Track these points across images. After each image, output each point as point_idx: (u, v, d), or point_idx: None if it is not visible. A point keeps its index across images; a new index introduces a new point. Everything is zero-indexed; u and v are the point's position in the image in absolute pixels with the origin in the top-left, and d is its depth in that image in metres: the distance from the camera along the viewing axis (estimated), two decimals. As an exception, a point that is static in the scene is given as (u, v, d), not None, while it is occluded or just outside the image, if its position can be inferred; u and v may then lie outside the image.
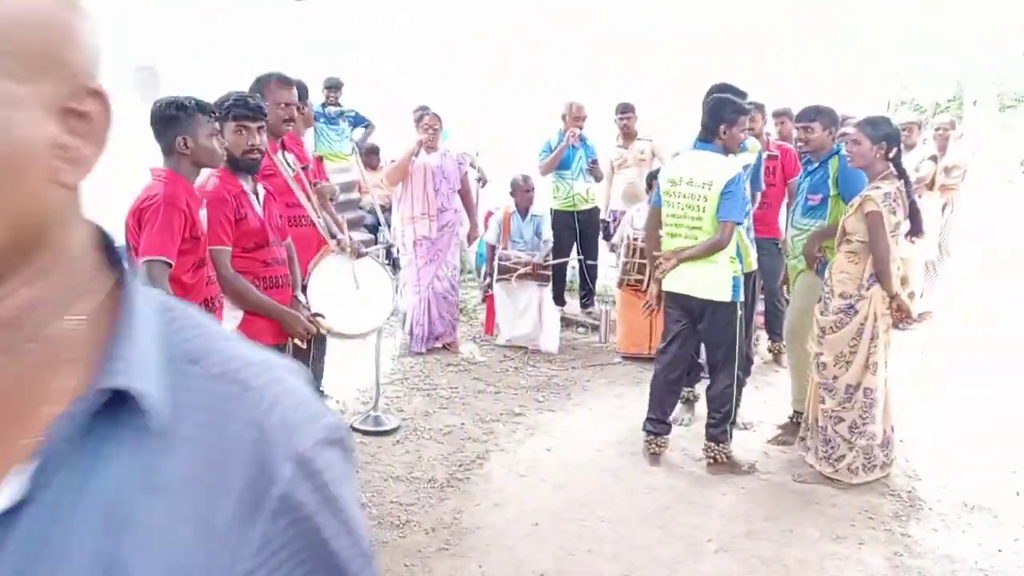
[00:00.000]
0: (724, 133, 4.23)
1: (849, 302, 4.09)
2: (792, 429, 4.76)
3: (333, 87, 8.29)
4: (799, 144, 4.66)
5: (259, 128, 3.33)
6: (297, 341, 3.52)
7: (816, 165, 4.59)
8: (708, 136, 4.28)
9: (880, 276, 4.02)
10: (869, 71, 8.87)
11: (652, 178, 6.44)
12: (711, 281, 4.25)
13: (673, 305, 4.45)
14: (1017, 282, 8.85)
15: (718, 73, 5.52)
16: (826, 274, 4.25)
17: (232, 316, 3.31)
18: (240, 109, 3.28)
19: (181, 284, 2.87)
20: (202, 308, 2.91)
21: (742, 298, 4.34)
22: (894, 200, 3.99)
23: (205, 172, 3.15)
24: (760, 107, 6.55)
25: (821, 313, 4.22)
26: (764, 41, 7.74)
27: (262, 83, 3.99)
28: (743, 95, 4.59)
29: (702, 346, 5.06)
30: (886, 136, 4.06)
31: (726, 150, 4.28)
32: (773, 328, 6.19)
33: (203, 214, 3.01)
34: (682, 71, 7.80)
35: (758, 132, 5.59)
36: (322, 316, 3.64)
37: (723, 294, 4.26)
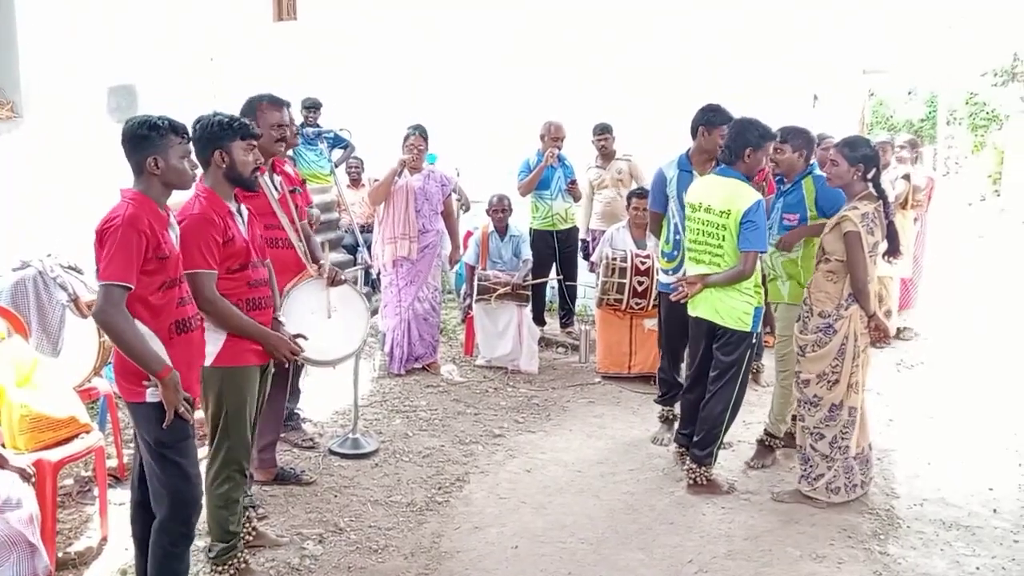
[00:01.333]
0: (748, 157, 4.18)
1: (827, 321, 4.12)
2: (764, 451, 4.77)
3: (312, 107, 8.28)
4: (771, 164, 4.67)
5: (256, 147, 3.38)
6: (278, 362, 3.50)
7: (790, 186, 4.61)
8: (731, 159, 4.21)
9: (858, 296, 4.05)
10: (842, 90, 8.95)
11: (632, 197, 6.48)
12: (736, 311, 4.22)
13: (696, 330, 4.45)
14: (991, 297, 8.96)
15: (698, 92, 5.56)
16: (804, 292, 4.27)
17: (215, 338, 3.27)
18: (248, 129, 3.31)
19: (148, 305, 2.82)
20: (173, 329, 2.89)
21: (760, 328, 4.33)
22: (872, 220, 4.02)
23: (177, 194, 3.12)
24: None
25: (800, 332, 4.23)
26: (737, 59, 7.81)
27: (254, 104, 3.98)
28: (730, 117, 4.59)
29: (682, 366, 5.09)
30: (864, 157, 4.09)
31: (747, 175, 4.23)
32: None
33: (173, 235, 2.97)
34: (665, 91, 7.86)
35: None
36: (304, 338, 3.62)
37: (744, 324, 4.23)
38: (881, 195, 4.17)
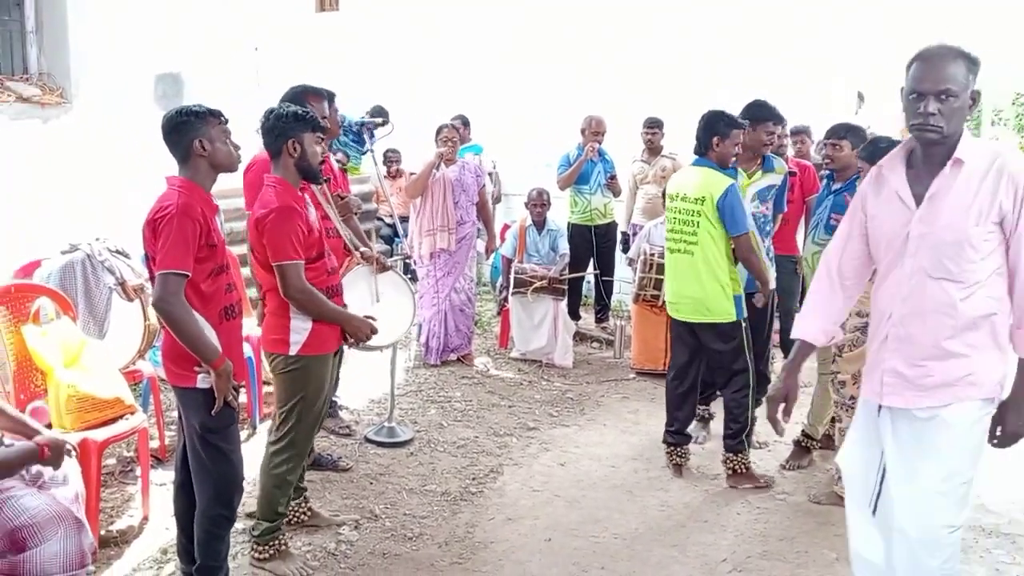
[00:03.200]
0: (717, 146, 4.30)
1: (865, 320, 4.05)
2: (800, 452, 4.72)
3: (377, 115, 8.14)
4: (825, 161, 4.63)
5: (323, 140, 3.49)
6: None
7: (842, 185, 4.52)
8: (702, 150, 4.37)
9: None
10: (886, 88, 8.80)
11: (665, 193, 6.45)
12: (718, 304, 4.32)
13: (681, 328, 4.53)
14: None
15: (750, 89, 5.50)
16: None
17: (301, 327, 3.32)
18: (318, 122, 3.40)
19: (199, 292, 2.87)
20: (222, 315, 2.94)
21: (745, 315, 4.40)
22: None
23: (222, 177, 3.16)
24: (806, 129, 6.56)
25: None
26: (738, 55, 7.73)
27: (299, 96, 4.03)
28: (778, 114, 4.69)
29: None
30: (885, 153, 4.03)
31: (721, 164, 4.33)
32: (788, 347, 6.15)
33: (219, 221, 3.03)
34: (665, 88, 7.81)
35: (782, 149, 5.60)
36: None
37: (730, 315, 4.33)
38: None
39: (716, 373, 4.55)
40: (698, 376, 4.64)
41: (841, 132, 4.51)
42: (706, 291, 4.31)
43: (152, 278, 2.92)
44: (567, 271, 6.78)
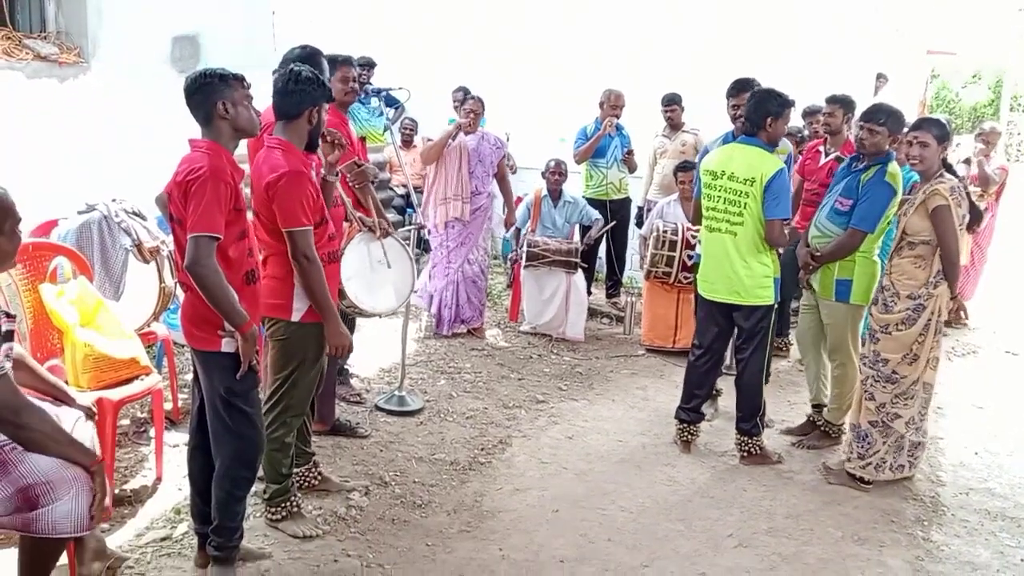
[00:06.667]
0: (769, 126, 4.20)
1: (918, 302, 4.01)
2: (821, 436, 4.71)
3: (366, 65, 8.24)
4: (860, 144, 4.35)
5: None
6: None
7: (861, 166, 4.40)
8: (752, 129, 4.24)
9: (949, 270, 3.95)
10: (905, 69, 8.72)
11: (678, 171, 6.42)
12: (755, 287, 4.27)
13: (714, 309, 4.46)
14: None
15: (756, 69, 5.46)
16: (885, 279, 4.15)
17: (304, 295, 3.31)
18: (331, 94, 3.38)
19: (226, 256, 2.87)
20: (244, 279, 2.95)
21: (779, 298, 4.40)
22: (959, 193, 3.94)
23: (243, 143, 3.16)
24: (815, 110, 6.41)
25: (881, 312, 4.11)
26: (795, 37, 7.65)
27: (312, 56, 3.95)
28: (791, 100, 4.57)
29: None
30: (943, 136, 4.00)
31: (770, 144, 4.24)
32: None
33: (246, 188, 3.03)
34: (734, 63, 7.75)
35: (836, 130, 5.53)
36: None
37: (767, 299, 4.30)
38: (953, 174, 4.08)
39: (738, 348, 4.51)
40: (723, 356, 4.64)
41: (881, 117, 4.24)
42: (751, 272, 4.24)
43: (176, 239, 2.93)
44: (597, 232, 6.85)
